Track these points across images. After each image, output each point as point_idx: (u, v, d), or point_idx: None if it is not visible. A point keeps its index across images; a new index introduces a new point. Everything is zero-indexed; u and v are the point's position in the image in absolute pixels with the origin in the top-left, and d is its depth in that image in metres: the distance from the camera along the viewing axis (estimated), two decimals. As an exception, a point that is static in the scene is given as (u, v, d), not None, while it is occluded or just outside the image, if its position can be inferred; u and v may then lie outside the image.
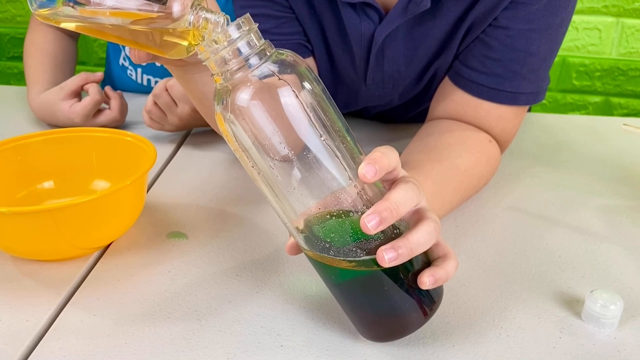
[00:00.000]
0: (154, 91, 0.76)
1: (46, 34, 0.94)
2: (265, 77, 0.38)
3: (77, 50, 0.99)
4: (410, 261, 0.41)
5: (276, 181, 0.39)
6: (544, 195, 0.70)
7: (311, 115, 0.38)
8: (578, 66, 1.37)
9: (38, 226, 0.49)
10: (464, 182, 0.63)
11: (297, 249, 0.45)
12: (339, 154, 0.39)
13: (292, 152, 0.38)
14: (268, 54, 0.38)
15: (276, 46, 0.76)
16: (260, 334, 0.47)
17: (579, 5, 1.32)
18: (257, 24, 0.38)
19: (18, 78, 1.59)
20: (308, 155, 0.38)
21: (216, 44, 0.37)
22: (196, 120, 0.78)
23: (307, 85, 0.38)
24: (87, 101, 0.80)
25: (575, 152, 0.82)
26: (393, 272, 0.41)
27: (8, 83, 1.58)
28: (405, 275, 0.42)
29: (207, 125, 0.80)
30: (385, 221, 0.38)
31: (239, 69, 0.37)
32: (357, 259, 0.40)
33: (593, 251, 0.59)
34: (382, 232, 0.40)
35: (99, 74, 0.85)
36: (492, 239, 0.61)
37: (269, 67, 0.38)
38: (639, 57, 1.36)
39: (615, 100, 1.39)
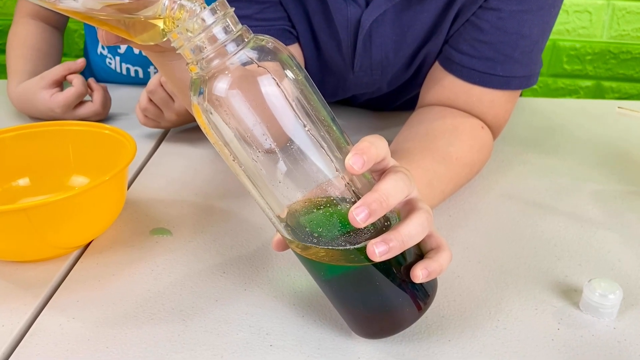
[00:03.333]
0: (147, 87, 0.73)
1: (29, 27, 0.91)
2: (244, 64, 0.35)
3: (62, 43, 0.96)
4: (402, 254, 0.39)
5: (260, 175, 0.37)
6: (538, 182, 0.68)
7: (294, 104, 0.36)
8: (569, 50, 1.36)
9: (13, 226, 0.47)
10: (456, 170, 0.61)
11: (284, 245, 0.43)
12: (324, 145, 0.37)
13: (276, 144, 0.36)
14: (246, 39, 0.36)
15: (260, 32, 0.73)
16: (249, 333, 0.45)
17: (569, -12, 1.30)
18: (234, 8, 0.36)
19: (1, 71, 1.55)
20: (292, 147, 0.36)
21: (190, 32, 0.35)
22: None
23: (288, 72, 0.36)
24: (71, 92, 0.78)
25: (568, 137, 0.80)
26: (384, 266, 0.39)
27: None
28: (398, 269, 0.40)
29: None
30: (375, 213, 0.36)
31: (215, 56, 0.35)
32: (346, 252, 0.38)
33: (589, 238, 0.58)
34: (372, 224, 0.38)
35: (81, 61, 0.82)
36: (486, 229, 0.59)
37: (247, 54, 0.35)
38: (631, 40, 1.34)
39: (607, 84, 1.38)
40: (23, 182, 0.59)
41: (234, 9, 0.36)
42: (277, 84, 0.35)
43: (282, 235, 0.41)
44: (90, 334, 0.45)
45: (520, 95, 0.94)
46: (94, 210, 0.51)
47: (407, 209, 0.41)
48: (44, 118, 0.80)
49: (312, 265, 0.41)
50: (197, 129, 0.79)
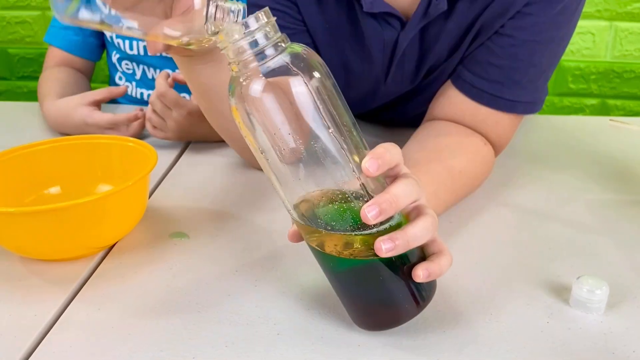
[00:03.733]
0: (150, 99, 0.79)
1: (59, 70, 0.99)
2: (279, 68, 0.39)
3: (89, 86, 1.04)
4: (406, 254, 0.43)
5: (283, 169, 0.41)
6: (536, 192, 0.71)
7: (321, 107, 0.40)
8: (573, 70, 1.39)
9: (44, 226, 0.52)
10: (459, 182, 0.65)
11: (298, 237, 0.47)
12: (344, 147, 0.41)
13: (300, 143, 0.40)
14: (283, 46, 0.40)
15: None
16: (258, 323, 0.49)
17: (572, 11, 1.34)
18: (275, 18, 0.40)
19: (27, 97, 1.63)
20: (315, 147, 0.40)
21: (233, 34, 0.39)
22: (193, 126, 0.80)
23: (318, 78, 0.40)
24: (109, 117, 0.82)
25: (567, 151, 0.84)
26: (390, 264, 0.43)
27: (19, 101, 1.62)
28: (401, 267, 0.44)
29: (207, 135, 0.82)
30: (385, 212, 0.40)
31: (254, 59, 0.39)
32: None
33: (582, 243, 0.61)
34: (381, 223, 0.42)
35: (123, 88, 0.88)
36: (484, 233, 0.62)
37: (283, 58, 0.40)
38: (633, 60, 1.37)
39: (611, 102, 1.41)
40: (54, 190, 0.64)
41: (275, 18, 0.40)
42: (307, 87, 0.40)
43: (297, 226, 0.45)
44: (114, 323, 0.49)
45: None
46: (117, 213, 0.56)
47: (414, 213, 0.44)
48: (76, 133, 0.85)
49: (323, 257, 0.44)
50: (213, 144, 0.84)
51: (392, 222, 0.43)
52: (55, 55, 1.02)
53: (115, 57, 1.04)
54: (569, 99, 1.42)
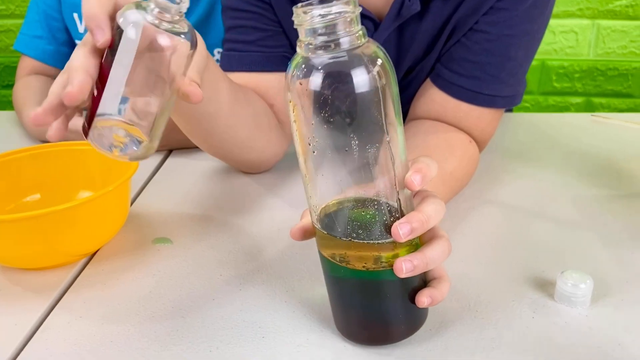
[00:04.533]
0: None
1: (33, 78, 0.98)
2: (354, 60, 0.37)
3: None
4: (415, 276, 0.42)
5: (324, 164, 0.39)
6: (521, 189, 0.72)
7: (383, 113, 0.38)
8: (557, 68, 1.40)
9: (23, 233, 0.51)
10: (450, 184, 0.65)
11: (302, 235, 0.45)
12: (393, 155, 0.39)
13: (355, 142, 0.38)
14: (358, 43, 0.37)
15: (260, 58, 0.77)
16: (243, 327, 0.48)
17: (554, 9, 1.35)
18: (361, 8, 0.37)
19: (12, 106, 1.62)
20: (368, 149, 0.38)
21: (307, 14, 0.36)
22: (171, 130, 0.80)
23: (389, 82, 0.38)
24: None
25: (551, 148, 0.84)
26: (396, 282, 0.42)
27: (3, 110, 1.61)
28: (406, 288, 0.43)
29: (186, 141, 0.81)
30: (415, 232, 0.40)
31: (323, 47, 0.37)
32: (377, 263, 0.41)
33: (566, 238, 0.61)
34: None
35: None
36: (469, 230, 0.62)
37: (353, 53, 0.37)
38: (616, 57, 1.39)
39: (596, 100, 1.42)
40: (34, 198, 0.63)
41: (361, 8, 0.38)
42: (375, 90, 0.37)
43: (316, 230, 0.43)
44: (96, 329, 0.48)
45: (512, 111, 0.99)
46: (98, 219, 0.55)
47: (429, 234, 0.44)
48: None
49: (332, 265, 0.43)
50: (195, 151, 0.83)
51: (415, 240, 0.42)
52: (27, 64, 1.01)
53: None
54: (554, 97, 1.43)
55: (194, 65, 0.47)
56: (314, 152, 0.39)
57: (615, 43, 1.37)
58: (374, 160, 0.39)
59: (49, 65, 1.01)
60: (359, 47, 0.37)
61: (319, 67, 0.37)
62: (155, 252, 0.59)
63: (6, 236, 0.51)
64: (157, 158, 0.82)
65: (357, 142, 0.38)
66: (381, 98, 0.38)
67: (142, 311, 0.50)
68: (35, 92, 0.93)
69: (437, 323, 0.48)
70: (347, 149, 0.38)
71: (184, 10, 0.39)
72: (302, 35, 0.37)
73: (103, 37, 0.40)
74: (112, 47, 0.41)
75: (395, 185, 0.40)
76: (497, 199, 0.69)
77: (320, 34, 0.37)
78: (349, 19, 0.37)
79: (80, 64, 0.41)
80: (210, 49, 0.98)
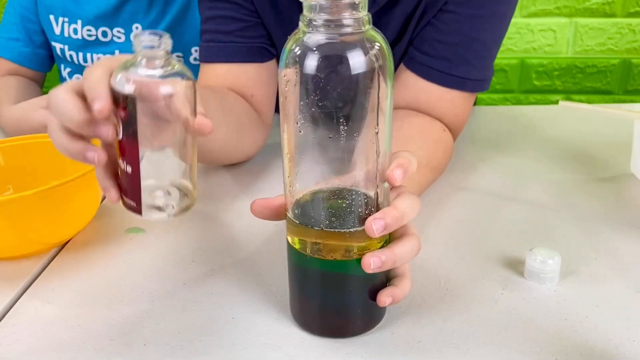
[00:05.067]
0: None
1: (10, 79, 0.98)
2: (356, 42, 0.36)
3: (41, 93, 1.03)
4: (378, 273, 0.42)
5: (308, 148, 0.39)
6: (494, 175, 0.72)
7: (377, 100, 0.37)
8: (537, 67, 1.42)
9: (-7, 221, 0.51)
10: (426, 175, 0.65)
11: (261, 210, 0.44)
12: (379, 146, 0.39)
13: (344, 127, 0.37)
14: (362, 27, 0.37)
15: (239, 49, 0.76)
16: (213, 309, 0.48)
17: (532, 9, 1.37)
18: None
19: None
20: (355, 136, 0.38)
21: None
22: None
23: (388, 68, 0.38)
24: None
25: (525, 137, 0.85)
26: (360, 277, 0.42)
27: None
28: (370, 284, 0.43)
29: None
30: (389, 228, 0.40)
31: (325, 25, 0.36)
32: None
33: (537, 219, 0.61)
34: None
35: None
36: (441, 215, 0.63)
37: (354, 36, 0.36)
38: (595, 54, 1.40)
39: (576, 97, 1.44)
40: (6, 192, 0.63)
41: None
42: (369, 72, 0.36)
43: (288, 211, 0.42)
44: (63, 314, 0.48)
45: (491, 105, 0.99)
46: (68, 206, 0.55)
47: (401, 230, 0.44)
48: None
49: (296, 253, 0.43)
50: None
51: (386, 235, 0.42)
52: (4, 66, 1.01)
53: (65, 72, 1.03)
54: (535, 95, 1.44)
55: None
56: (300, 131, 0.39)
57: (593, 40, 1.39)
58: (360, 148, 0.39)
59: (26, 67, 1.01)
60: (362, 31, 0.37)
61: (318, 46, 0.37)
62: (128, 240, 0.59)
63: (-26, 224, 0.51)
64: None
65: (345, 127, 0.38)
66: (377, 84, 0.37)
67: (111, 296, 0.50)
68: (12, 92, 0.93)
69: (408, 301, 0.48)
70: (333, 134, 0.38)
71: (169, 47, 0.38)
72: (306, 11, 0.37)
73: (102, 106, 0.37)
74: (125, 118, 0.39)
75: (376, 176, 0.40)
76: (471, 186, 0.70)
77: (325, 12, 0.36)
78: (357, 1, 0.36)
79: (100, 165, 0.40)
80: (187, 47, 0.98)
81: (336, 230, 0.40)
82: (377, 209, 0.41)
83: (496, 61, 1.52)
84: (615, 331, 0.45)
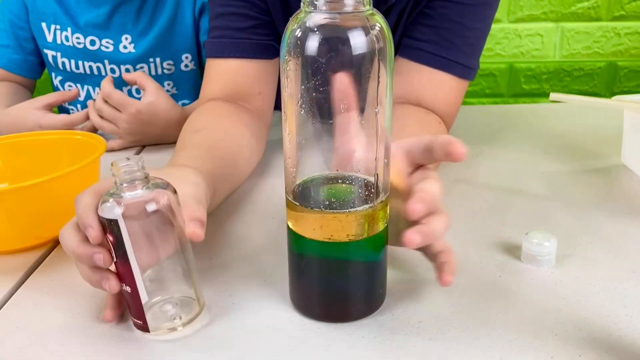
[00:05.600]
0: (96, 105, 0.80)
1: (1, 85, 0.98)
2: (347, 23, 0.37)
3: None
4: (382, 254, 0.43)
5: (308, 129, 0.40)
6: (489, 168, 0.73)
7: (377, 81, 0.38)
8: (525, 71, 1.44)
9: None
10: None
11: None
12: (379, 128, 0.40)
13: (345, 107, 0.38)
14: (363, 8, 0.38)
15: (249, 45, 0.77)
16: (213, 295, 0.48)
17: (520, 14, 1.39)
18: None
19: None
20: (358, 119, 0.38)
21: None
22: (145, 125, 0.81)
23: (388, 49, 0.38)
24: (63, 117, 0.82)
25: (518, 133, 0.86)
26: (362, 258, 0.43)
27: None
28: (370, 265, 0.43)
29: (161, 136, 0.83)
30: (422, 244, 0.41)
31: (327, 4, 0.37)
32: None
33: (532, 207, 0.62)
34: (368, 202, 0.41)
35: (75, 91, 0.88)
36: (438, 205, 0.63)
37: (355, 15, 0.37)
38: (581, 58, 1.43)
39: (564, 100, 1.46)
40: (2, 187, 0.63)
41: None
42: (370, 53, 0.37)
43: (288, 196, 0.43)
44: (62, 303, 0.48)
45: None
46: (64, 198, 0.55)
47: (432, 208, 0.44)
48: None
49: (297, 237, 0.43)
50: (166, 144, 0.84)
51: (383, 198, 0.42)
52: None
53: (57, 80, 1.04)
54: (523, 99, 1.46)
55: (193, 201, 0.46)
56: (301, 111, 0.39)
57: (580, 44, 1.41)
58: (359, 128, 0.39)
59: (16, 74, 1.01)
60: (363, 11, 0.38)
61: (320, 26, 0.37)
62: (125, 234, 0.59)
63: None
64: (129, 153, 0.82)
65: (343, 110, 0.38)
66: (377, 64, 0.38)
67: (110, 285, 0.50)
68: (4, 96, 0.93)
69: (406, 284, 0.49)
70: (333, 114, 0.39)
71: (143, 163, 0.41)
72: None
73: (94, 233, 0.40)
74: (114, 242, 0.40)
75: (376, 157, 0.41)
76: (467, 179, 0.70)
77: None
78: None
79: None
80: (177, 54, 0.99)
81: (336, 211, 0.41)
82: (377, 190, 0.41)
83: (485, 66, 1.54)
84: (612, 308, 0.45)
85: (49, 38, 0.99)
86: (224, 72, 0.72)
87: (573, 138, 0.82)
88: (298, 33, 0.38)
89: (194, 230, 0.43)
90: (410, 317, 0.45)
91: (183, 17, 0.97)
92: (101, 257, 0.41)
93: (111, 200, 0.40)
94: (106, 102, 0.79)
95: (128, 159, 0.40)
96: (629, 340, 0.42)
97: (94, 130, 0.83)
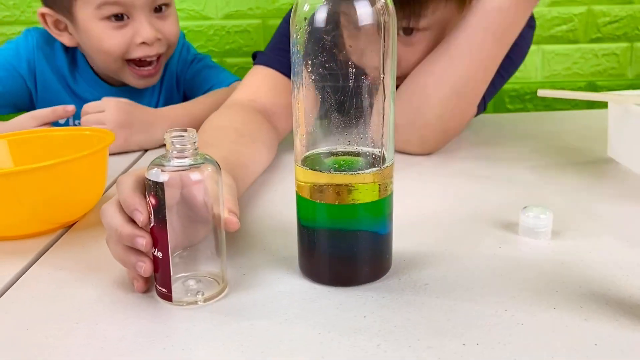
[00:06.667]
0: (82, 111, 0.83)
1: None
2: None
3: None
4: (387, 218, 0.45)
5: (318, 103, 0.42)
6: (485, 162, 0.76)
7: (382, 51, 0.41)
8: (509, 92, 1.49)
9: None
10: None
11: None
12: (385, 96, 0.43)
13: (352, 73, 0.41)
14: None
15: (288, 65, 0.81)
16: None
17: (502, 38, 1.45)
18: None
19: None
20: (363, 79, 0.41)
21: None
22: (130, 114, 0.84)
23: (393, 22, 0.41)
24: (34, 112, 0.82)
25: (512, 135, 0.90)
26: (372, 222, 0.44)
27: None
28: (377, 231, 0.45)
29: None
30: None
31: None
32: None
33: (528, 192, 0.65)
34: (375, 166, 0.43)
35: (71, 108, 0.88)
36: (438, 191, 0.66)
37: None
38: (562, 78, 1.49)
39: (548, 120, 1.51)
40: (12, 169, 0.64)
41: None
42: (376, 23, 0.40)
43: (298, 163, 0.45)
44: (76, 277, 0.48)
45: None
46: (74, 183, 0.56)
47: None
48: None
49: (309, 203, 0.44)
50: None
51: (390, 163, 0.44)
52: None
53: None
54: (509, 119, 1.51)
55: (228, 194, 0.48)
56: (312, 77, 0.42)
57: (560, 65, 1.47)
58: (367, 98, 0.42)
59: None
60: None
61: (323, 4, 0.40)
62: (133, 222, 0.60)
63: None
64: (132, 157, 0.84)
65: (353, 70, 0.41)
66: (383, 35, 0.41)
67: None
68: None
69: (410, 254, 0.50)
70: (342, 81, 0.41)
71: (196, 139, 0.43)
72: None
73: (142, 217, 0.42)
74: (156, 205, 0.42)
75: (382, 121, 0.43)
76: (465, 172, 0.73)
77: None
78: None
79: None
80: None
81: (344, 172, 0.43)
82: (383, 157, 0.44)
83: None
84: (609, 270, 0.47)
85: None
86: (262, 77, 0.79)
87: (561, 138, 0.86)
88: (307, 7, 0.41)
89: (231, 218, 0.45)
90: (417, 281, 0.46)
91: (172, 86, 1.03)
92: (144, 241, 0.42)
93: (161, 164, 0.42)
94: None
95: (182, 129, 0.42)
96: (627, 293, 0.44)
97: None
